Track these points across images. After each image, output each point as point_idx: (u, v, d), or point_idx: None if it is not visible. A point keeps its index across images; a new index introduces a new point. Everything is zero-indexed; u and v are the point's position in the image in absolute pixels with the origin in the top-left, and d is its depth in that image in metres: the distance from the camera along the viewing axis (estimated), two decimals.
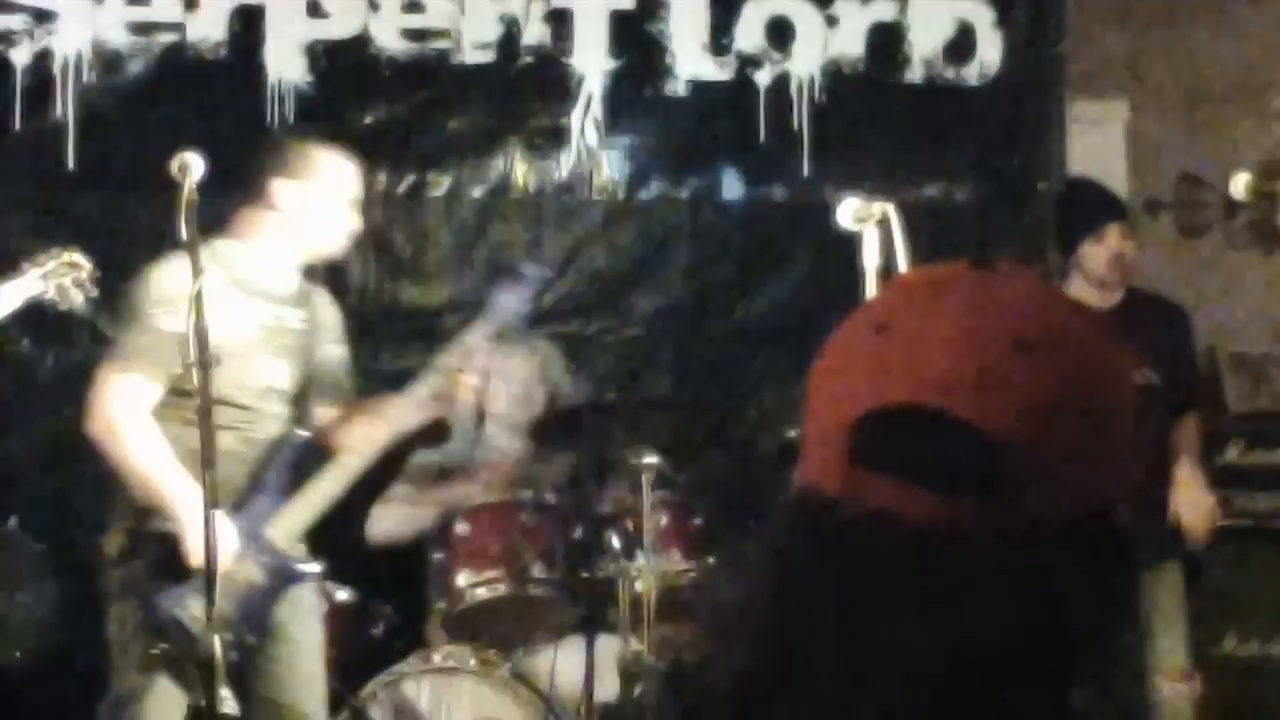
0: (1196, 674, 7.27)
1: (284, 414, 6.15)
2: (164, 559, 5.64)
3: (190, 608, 5.57)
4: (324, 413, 6.37)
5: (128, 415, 5.77)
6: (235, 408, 5.90)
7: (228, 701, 5.73)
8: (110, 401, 5.78)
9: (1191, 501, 7.02)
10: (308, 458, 6.16)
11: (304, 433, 6.22)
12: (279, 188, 6.02)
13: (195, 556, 5.52)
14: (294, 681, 6.12)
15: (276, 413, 6.11)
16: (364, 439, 6.21)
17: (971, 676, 1.67)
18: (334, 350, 6.36)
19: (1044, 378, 1.69)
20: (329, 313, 6.40)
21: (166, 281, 5.77)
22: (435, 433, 6.92)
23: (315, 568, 6.15)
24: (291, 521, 6.01)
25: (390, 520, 7.35)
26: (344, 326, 6.40)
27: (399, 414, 6.25)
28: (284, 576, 6.00)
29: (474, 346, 6.28)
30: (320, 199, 6.09)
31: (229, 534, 5.74)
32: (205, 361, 5.32)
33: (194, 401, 5.58)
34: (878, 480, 1.69)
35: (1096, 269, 7.28)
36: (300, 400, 6.25)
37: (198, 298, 5.28)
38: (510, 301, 6.40)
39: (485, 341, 6.29)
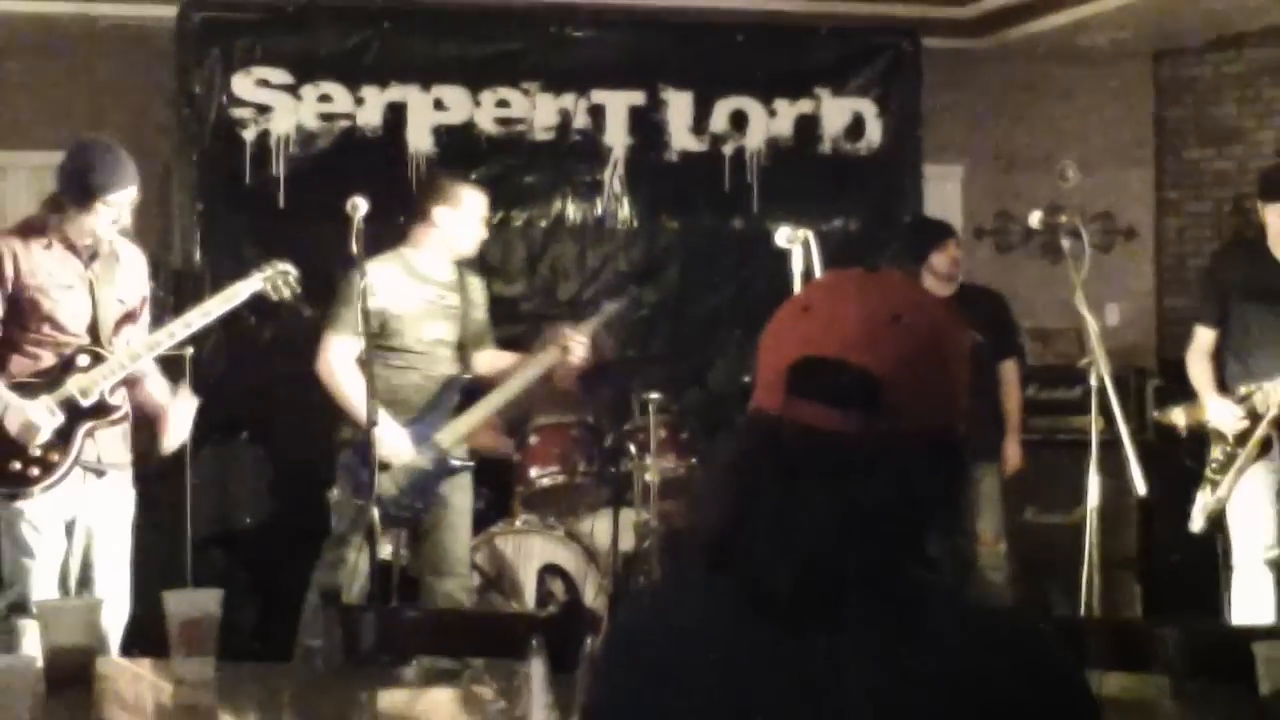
0: (1004, 537, 7.59)
1: (450, 358, 6.52)
2: (365, 453, 5.66)
3: (379, 484, 5.71)
4: (478, 358, 6.68)
5: (338, 360, 6.23)
6: (415, 354, 6.40)
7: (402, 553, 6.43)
8: (328, 352, 6.26)
9: (1013, 421, 7.40)
10: (465, 390, 6.56)
11: (465, 375, 6.59)
12: (438, 211, 6.48)
13: (381, 453, 5.82)
14: (452, 534, 6.49)
15: (444, 357, 6.50)
16: (508, 382, 6.58)
17: (861, 530, 1.81)
18: (480, 315, 6.66)
19: (909, 338, 1.85)
20: (478, 292, 6.69)
21: (355, 280, 5.80)
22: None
23: (470, 463, 6.52)
24: (454, 432, 6.43)
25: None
26: (487, 301, 6.65)
27: (533, 368, 6.62)
28: (446, 467, 6.38)
29: (587, 330, 6.61)
30: (463, 218, 6.51)
31: (403, 439, 6.25)
32: (369, 331, 5.65)
33: (384, 351, 6.23)
34: (803, 404, 1.85)
35: (941, 269, 7.58)
36: (461, 349, 6.59)
37: (363, 291, 5.56)
38: (612, 308, 6.96)
39: (597, 327, 6.71)
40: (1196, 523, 6.29)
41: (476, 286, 6.69)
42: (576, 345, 6.51)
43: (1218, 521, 6.24)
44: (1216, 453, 6.19)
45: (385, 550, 6.21)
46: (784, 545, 1.82)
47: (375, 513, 5.85)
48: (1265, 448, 6.08)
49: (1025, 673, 1.79)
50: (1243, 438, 6.11)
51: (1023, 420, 7.85)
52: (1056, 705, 1.79)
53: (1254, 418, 6.08)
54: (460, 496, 6.53)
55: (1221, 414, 6.12)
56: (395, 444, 6.19)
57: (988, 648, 1.80)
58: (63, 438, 5.38)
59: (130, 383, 5.64)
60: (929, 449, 1.85)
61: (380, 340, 6.20)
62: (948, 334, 1.90)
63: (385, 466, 6.04)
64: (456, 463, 6.46)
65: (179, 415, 5.70)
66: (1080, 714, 1.82)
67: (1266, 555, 6.10)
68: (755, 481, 1.88)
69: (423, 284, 6.41)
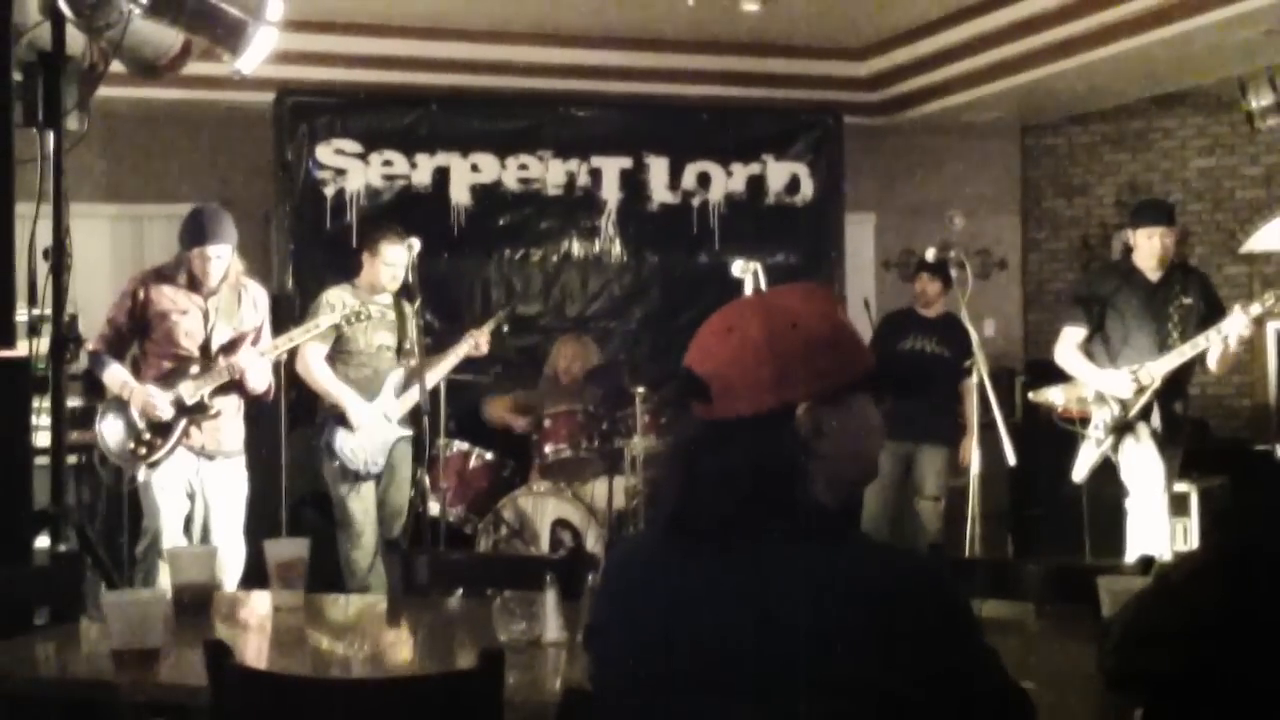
0: (943, 498, 7.38)
1: (391, 358, 6.36)
2: (340, 423, 6.15)
3: (349, 444, 6.18)
4: (412, 359, 6.33)
5: (314, 361, 6.18)
6: (366, 354, 6.30)
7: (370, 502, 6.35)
8: (306, 356, 6.15)
9: (970, 427, 6.72)
10: (403, 379, 6.35)
11: (400, 369, 6.37)
12: (365, 257, 6.38)
13: (354, 421, 6.16)
14: (398, 491, 6.43)
15: (388, 357, 6.36)
16: (434, 370, 6.39)
17: (726, 485, 1.79)
18: (410, 326, 6.27)
19: (736, 346, 1.83)
20: (409, 310, 6.26)
21: (324, 300, 6.23)
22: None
23: (406, 431, 6.37)
24: (400, 407, 6.31)
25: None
26: (416, 319, 6.20)
27: (450, 358, 6.51)
28: (394, 434, 6.34)
29: (486, 329, 6.56)
30: (380, 263, 6.27)
31: (366, 410, 6.21)
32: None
33: (344, 353, 6.25)
34: (692, 402, 1.86)
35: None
36: (399, 352, 6.39)
37: (417, 309, 5.98)
38: (501, 314, 6.98)
39: (493, 327, 6.67)
40: (1080, 474, 6.19)
41: (408, 307, 6.35)
42: (481, 340, 6.43)
43: (1099, 472, 6.16)
44: (1105, 417, 6.05)
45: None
46: (688, 496, 1.82)
47: (427, 481, 6.17)
48: (1146, 413, 5.99)
49: (912, 591, 1.75)
50: (1128, 406, 6.00)
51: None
52: (934, 609, 1.76)
53: (1137, 390, 5.96)
54: (403, 464, 6.45)
55: (1117, 382, 6.00)
56: (360, 413, 6.21)
57: (881, 573, 1.77)
58: (167, 427, 5.49)
59: (236, 384, 5.63)
60: (757, 428, 1.81)
61: (341, 346, 6.24)
62: (779, 341, 1.83)
63: (352, 429, 6.19)
64: (403, 432, 6.40)
65: (254, 364, 5.67)
66: (952, 618, 1.78)
67: (1162, 496, 6.01)
68: (680, 455, 1.88)
69: (369, 304, 6.23)
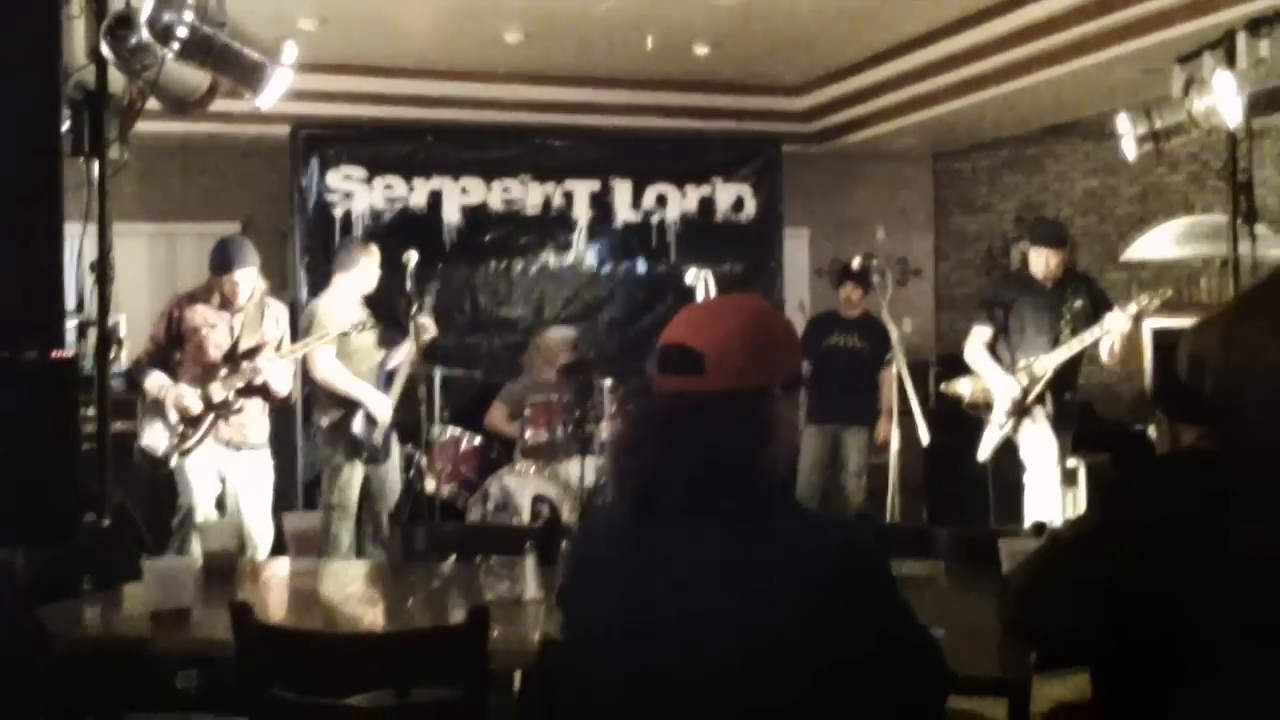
0: (865, 475, 7.32)
1: (376, 355, 6.20)
2: (352, 417, 5.95)
3: (367, 430, 6.00)
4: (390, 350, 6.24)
5: (330, 365, 6.00)
6: (363, 353, 6.12)
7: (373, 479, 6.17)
8: (321, 361, 5.98)
9: (887, 410, 6.74)
10: (386, 377, 6.21)
11: (385, 364, 6.24)
12: (350, 269, 6.18)
13: (379, 415, 6.01)
14: (392, 470, 6.28)
15: (376, 355, 6.21)
16: (404, 364, 6.15)
17: (698, 456, 1.78)
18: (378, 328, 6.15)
19: (725, 331, 1.82)
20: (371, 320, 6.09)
21: (323, 307, 6.06)
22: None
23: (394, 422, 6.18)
24: (392, 397, 6.11)
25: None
26: (414, 322, 5.98)
27: (411, 347, 6.05)
28: (389, 424, 6.13)
29: (428, 319, 6.05)
30: (364, 275, 6.17)
31: (386, 403, 6.06)
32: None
33: (343, 355, 6.03)
34: (664, 376, 1.84)
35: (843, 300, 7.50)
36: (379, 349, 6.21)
37: (416, 315, 5.87)
38: (428, 308, 6.22)
39: (428, 315, 6.10)
40: (984, 453, 6.23)
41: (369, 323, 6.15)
42: (427, 327, 6.03)
43: (1000, 451, 6.19)
44: (1006, 405, 6.09)
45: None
46: (653, 467, 1.81)
47: (426, 465, 6.14)
48: (1041, 400, 6.05)
49: (843, 555, 1.77)
50: (1025, 394, 6.05)
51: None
52: (861, 571, 1.77)
53: (1033, 380, 6.02)
54: (395, 446, 6.35)
55: (1005, 383, 6.08)
56: (381, 405, 6.08)
57: (818, 540, 1.78)
58: (197, 420, 5.55)
59: (261, 388, 5.65)
60: (741, 401, 1.80)
61: (342, 349, 6.07)
62: (754, 327, 1.85)
63: (374, 423, 6.04)
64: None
65: (276, 370, 5.63)
66: (876, 575, 1.80)
67: (1055, 471, 6.06)
68: (640, 429, 1.88)
69: (358, 309, 6.13)
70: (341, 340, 5.99)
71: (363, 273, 6.19)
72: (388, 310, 6.35)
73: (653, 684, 1.76)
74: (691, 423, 1.79)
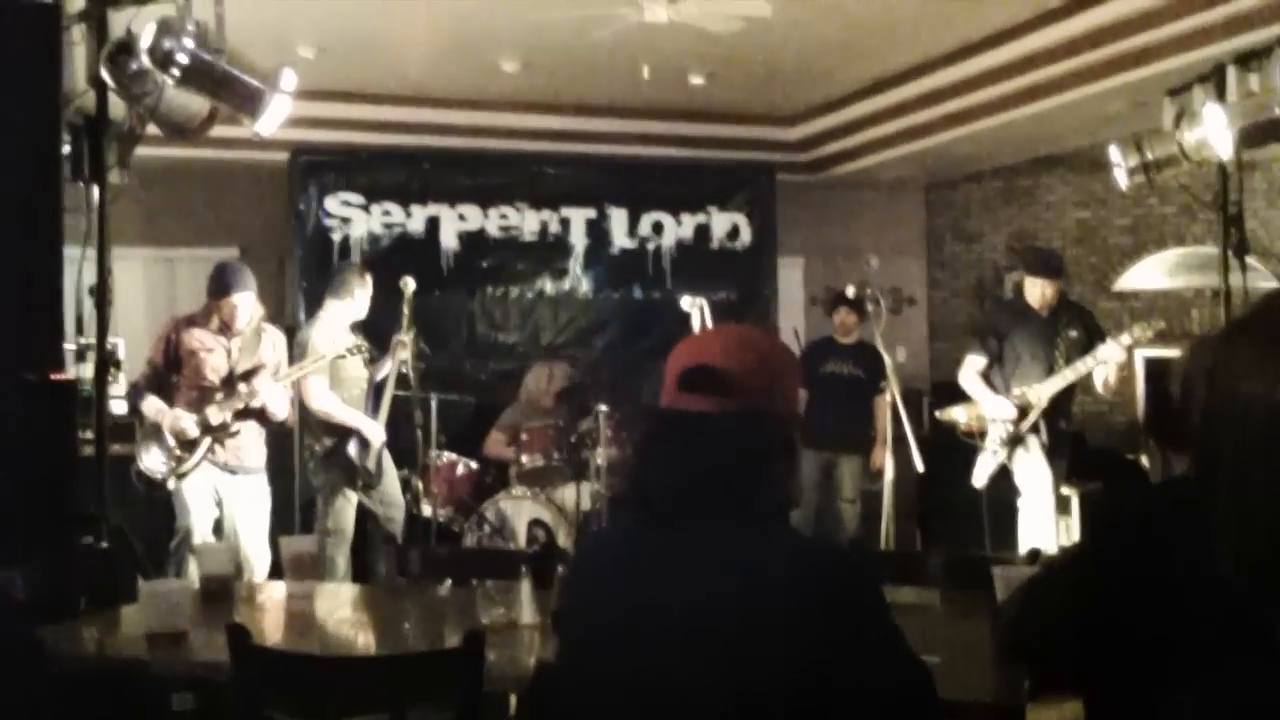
0: (859, 501, 7.31)
1: (365, 379, 6.12)
2: (346, 444, 5.89)
3: (361, 455, 5.93)
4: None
5: (322, 394, 5.95)
6: (353, 379, 6.08)
7: (370, 502, 6.11)
8: (314, 390, 5.94)
9: (881, 437, 6.70)
10: (375, 393, 6.14)
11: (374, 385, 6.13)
12: (343, 296, 6.16)
13: (373, 439, 5.93)
14: (391, 484, 6.17)
15: (363, 379, 6.12)
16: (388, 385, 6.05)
17: (714, 472, 1.81)
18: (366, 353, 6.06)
19: (751, 356, 1.86)
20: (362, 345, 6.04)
21: (315, 335, 6.01)
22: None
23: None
24: (382, 420, 6.02)
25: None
26: (412, 347, 5.95)
27: (392, 367, 6.03)
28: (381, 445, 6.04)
29: (407, 339, 5.93)
30: (356, 302, 6.15)
31: (378, 428, 5.98)
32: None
33: (335, 381, 5.99)
34: (685, 395, 1.85)
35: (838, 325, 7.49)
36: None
37: (411, 339, 5.85)
38: (408, 332, 5.99)
39: (406, 339, 5.96)
40: (980, 480, 6.18)
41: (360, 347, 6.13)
42: (405, 344, 5.92)
43: (995, 478, 6.15)
44: (1000, 432, 6.07)
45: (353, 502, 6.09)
46: (667, 481, 1.83)
47: (419, 486, 6.17)
48: (1035, 428, 6.03)
49: (834, 570, 1.78)
50: (1020, 422, 6.03)
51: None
52: (851, 586, 1.78)
53: (1026, 409, 6.01)
54: (391, 468, 6.25)
55: (1001, 407, 6.08)
56: (375, 431, 6.03)
57: (811, 556, 1.80)
58: (193, 443, 5.53)
59: (258, 412, 5.62)
60: (761, 423, 1.85)
61: (334, 375, 6.03)
62: (777, 358, 1.92)
63: (369, 446, 5.98)
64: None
65: (273, 394, 5.60)
66: (868, 601, 1.80)
67: (1049, 498, 6.02)
68: (655, 446, 1.89)
69: (350, 334, 6.13)
70: (333, 368, 5.95)
71: (355, 302, 6.17)
72: (383, 336, 6.30)
73: (648, 693, 1.78)
74: (712, 441, 1.82)
